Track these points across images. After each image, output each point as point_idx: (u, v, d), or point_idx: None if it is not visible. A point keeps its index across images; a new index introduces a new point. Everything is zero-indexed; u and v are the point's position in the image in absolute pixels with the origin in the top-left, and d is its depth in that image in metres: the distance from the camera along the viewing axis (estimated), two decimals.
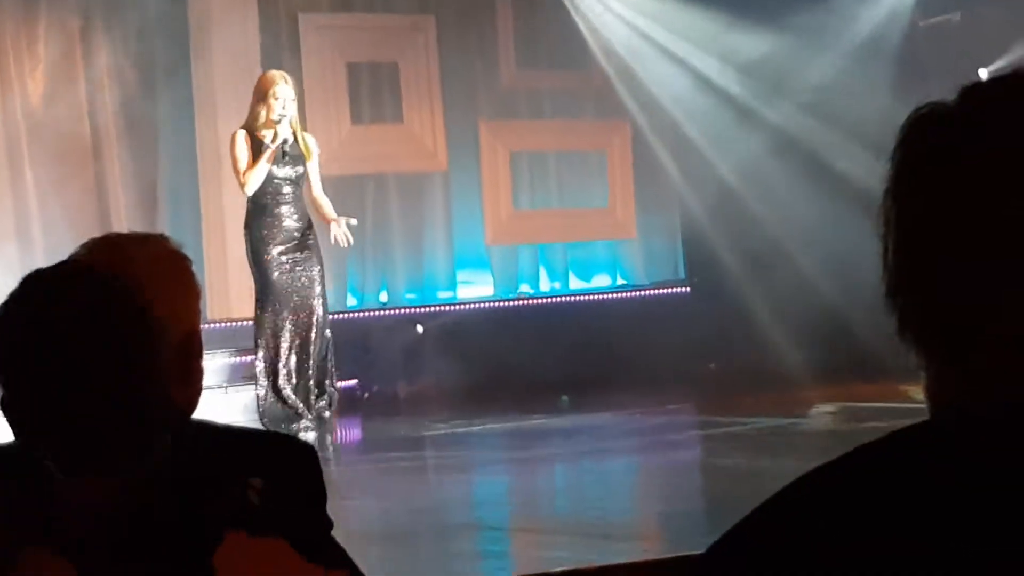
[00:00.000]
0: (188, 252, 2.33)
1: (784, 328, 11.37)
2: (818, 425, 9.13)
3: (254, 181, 9.23)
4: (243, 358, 10.44)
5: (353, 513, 6.61)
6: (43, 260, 9.76)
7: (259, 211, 9.32)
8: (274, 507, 1.99)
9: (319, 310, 9.34)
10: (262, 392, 9.31)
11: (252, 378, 9.66)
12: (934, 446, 1.06)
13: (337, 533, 2.23)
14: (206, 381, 2.28)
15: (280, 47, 11.62)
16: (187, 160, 11.35)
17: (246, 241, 9.43)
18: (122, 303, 1.78)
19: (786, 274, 11.65)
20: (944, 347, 1.09)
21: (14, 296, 1.78)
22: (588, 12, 12.56)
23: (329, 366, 9.42)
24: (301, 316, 9.26)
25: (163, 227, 11.02)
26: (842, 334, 10.05)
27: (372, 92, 12.03)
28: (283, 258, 9.26)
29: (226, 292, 11.04)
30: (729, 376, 11.26)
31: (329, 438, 9.19)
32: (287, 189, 9.32)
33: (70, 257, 2.18)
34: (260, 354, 9.30)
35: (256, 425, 9.52)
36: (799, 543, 1.04)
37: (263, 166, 9.20)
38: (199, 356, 2.21)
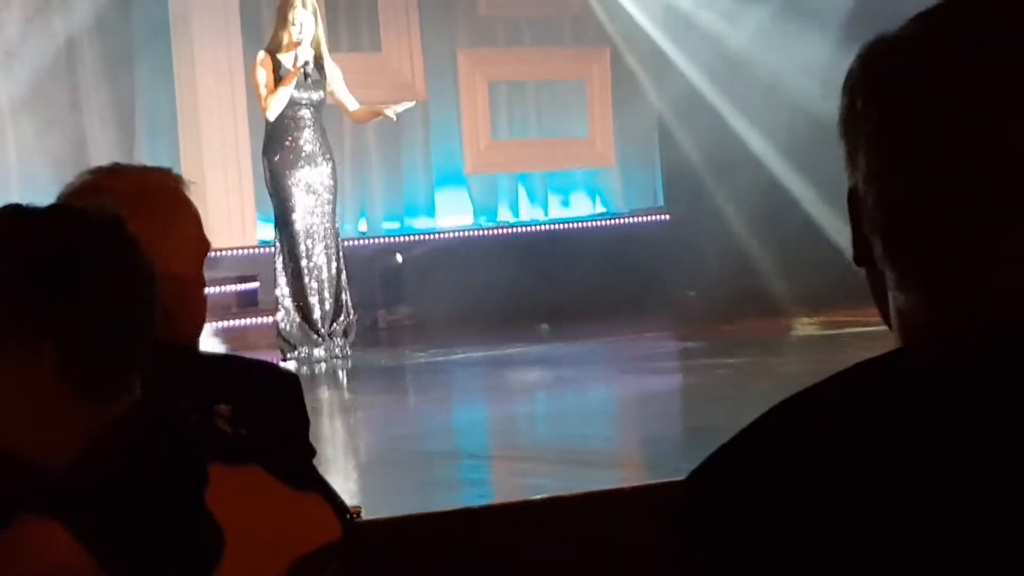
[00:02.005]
0: None
1: (765, 254, 11.39)
2: (797, 352, 9.16)
3: (275, 106, 9.17)
4: (221, 288, 10.44)
5: (333, 441, 6.64)
6: (18, 185, 9.70)
7: (278, 136, 9.26)
8: (251, 433, 2.00)
9: (333, 232, 9.35)
10: (283, 315, 9.31)
11: (230, 308, 9.64)
12: (911, 375, 1.07)
13: (317, 461, 2.24)
14: None
15: None
16: (164, 93, 11.27)
17: (264, 168, 9.40)
18: (118, 242, 1.78)
19: (767, 200, 11.65)
20: (927, 272, 1.10)
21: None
22: None
23: (344, 294, 9.42)
24: (318, 239, 9.27)
25: (141, 156, 10.97)
26: (825, 259, 10.07)
27: (350, 21, 11.95)
28: (301, 183, 9.23)
29: (205, 222, 10.95)
30: (709, 303, 11.29)
31: (342, 372, 9.19)
32: (307, 113, 9.26)
33: (69, 186, 2.17)
34: (281, 279, 9.31)
35: (238, 354, 9.55)
36: (776, 472, 1.05)
37: (284, 91, 9.13)
38: (200, 285, 2.20)
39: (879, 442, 1.03)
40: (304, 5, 9.22)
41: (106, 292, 1.77)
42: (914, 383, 1.06)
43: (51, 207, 1.89)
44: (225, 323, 10.30)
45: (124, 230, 1.80)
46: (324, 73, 9.34)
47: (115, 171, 2.25)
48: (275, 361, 9.00)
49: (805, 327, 9.71)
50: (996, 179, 1.07)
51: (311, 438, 2.30)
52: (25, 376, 1.76)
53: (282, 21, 9.27)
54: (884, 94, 1.11)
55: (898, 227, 1.10)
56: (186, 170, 11.51)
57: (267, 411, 2.11)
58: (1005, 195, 1.07)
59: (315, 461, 2.24)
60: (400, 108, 9.47)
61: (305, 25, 9.18)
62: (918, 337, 1.11)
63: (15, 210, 1.83)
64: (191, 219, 2.23)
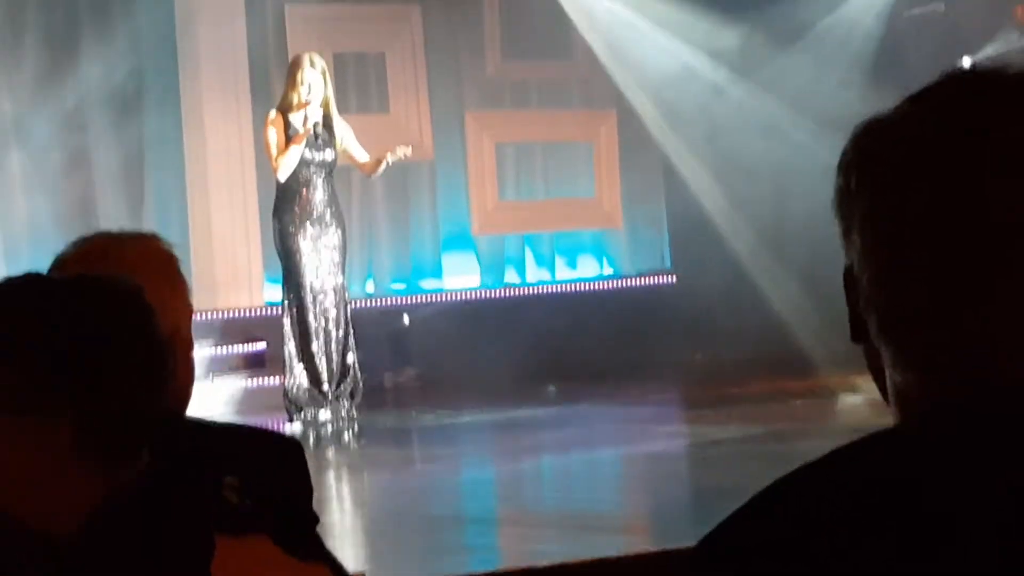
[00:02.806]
0: (174, 241, 2.33)
1: (770, 318, 11.39)
2: (804, 414, 9.14)
3: (286, 167, 9.20)
4: (228, 349, 10.45)
5: (340, 505, 6.62)
6: (27, 248, 9.74)
7: (289, 197, 9.29)
8: (257, 504, 1.99)
9: (341, 293, 9.35)
10: (290, 377, 9.29)
11: (238, 368, 9.64)
12: (907, 453, 1.08)
13: (323, 526, 2.23)
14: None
15: (267, 39, 11.61)
16: (174, 150, 11.33)
17: (274, 228, 9.42)
18: (142, 315, 1.79)
19: (773, 264, 11.67)
20: (921, 350, 1.10)
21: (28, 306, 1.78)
22: (574, 1, 12.55)
23: (351, 355, 9.41)
24: (326, 300, 9.27)
25: (149, 215, 11.02)
26: (829, 324, 10.06)
27: (359, 82, 12.02)
28: (310, 243, 9.25)
29: (212, 282, 11.03)
30: (715, 366, 11.27)
31: (348, 434, 9.16)
32: (317, 173, 9.29)
33: (59, 256, 2.18)
34: (289, 340, 9.30)
35: (244, 416, 9.54)
36: (780, 545, 1.05)
37: (295, 150, 9.17)
38: (188, 353, 2.21)
39: (878, 518, 1.04)
40: (313, 65, 9.28)
41: (126, 365, 1.78)
42: (910, 461, 1.07)
43: (74, 278, 1.89)
44: (231, 384, 10.30)
45: (144, 302, 1.81)
46: (334, 133, 9.38)
47: (117, 238, 2.26)
48: (281, 423, 9.01)
49: (813, 390, 9.69)
50: (986, 257, 1.08)
51: (316, 502, 2.30)
52: (41, 445, 1.76)
53: (291, 81, 9.33)
54: (876, 174, 1.12)
55: (892, 305, 1.11)
56: (195, 230, 11.65)
57: (271, 480, 2.10)
58: (995, 272, 1.07)
59: (321, 526, 2.23)
60: (398, 152, 9.46)
61: (314, 85, 9.23)
62: (914, 414, 1.11)
63: (38, 280, 1.84)
64: (186, 283, 2.25)
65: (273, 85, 10.72)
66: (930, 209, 1.09)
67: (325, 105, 9.32)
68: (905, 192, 1.10)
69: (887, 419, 1.12)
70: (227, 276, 11.18)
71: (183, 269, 2.29)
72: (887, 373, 1.14)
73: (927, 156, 1.10)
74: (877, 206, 1.11)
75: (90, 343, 1.76)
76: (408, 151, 9.52)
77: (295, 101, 9.24)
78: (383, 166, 9.50)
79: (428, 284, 12.20)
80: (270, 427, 7.77)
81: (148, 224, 10.45)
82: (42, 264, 2.23)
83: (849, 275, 1.15)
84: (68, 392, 1.75)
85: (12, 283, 1.81)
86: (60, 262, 2.20)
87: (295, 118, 9.24)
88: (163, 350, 1.81)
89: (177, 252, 2.30)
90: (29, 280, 1.83)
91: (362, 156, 9.54)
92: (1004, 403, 1.06)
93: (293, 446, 2.26)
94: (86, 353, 1.76)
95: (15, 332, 1.77)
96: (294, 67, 9.37)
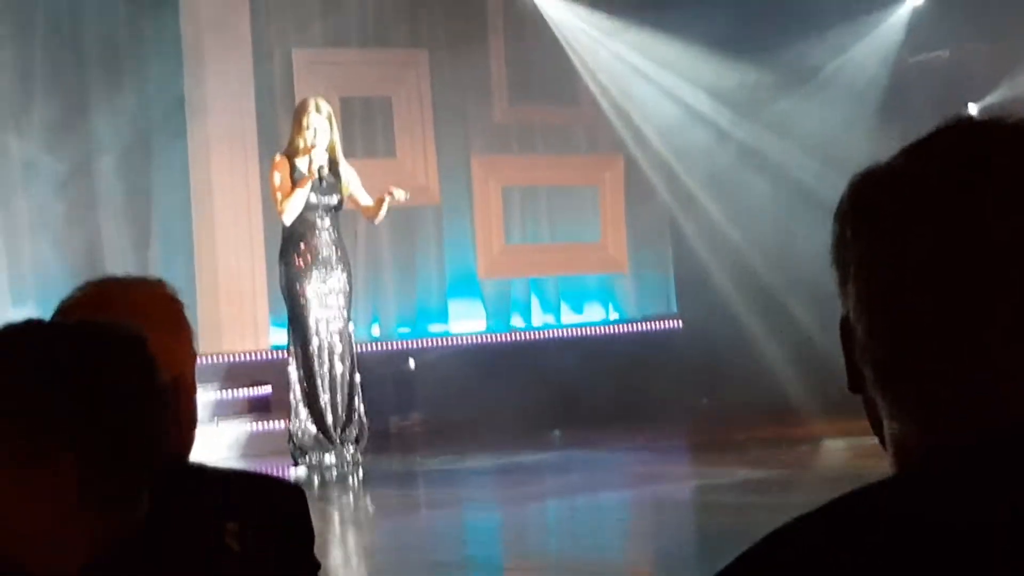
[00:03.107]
0: (180, 284, 2.33)
1: (777, 363, 11.37)
2: (810, 461, 9.11)
3: (291, 210, 9.22)
4: (234, 393, 10.44)
5: (344, 550, 6.60)
6: (33, 294, 9.75)
7: (295, 241, 9.30)
8: (258, 550, 1.99)
9: (347, 337, 9.35)
10: (295, 421, 9.27)
11: (243, 412, 9.63)
12: (913, 493, 1.07)
13: (327, 571, 2.22)
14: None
15: (274, 83, 11.66)
16: (180, 193, 11.36)
17: (280, 272, 9.42)
18: (144, 362, 1.80)
19: (780, 309, 11.66)
20: (917, 401, 1.10)
21: (29, 353, 1.78)
22: (580, 47, 12.61)
23: (356, 399, 9.39)
24: (332, 344, 9.27)
25: (156, 259, 11.04)
26: (836, 369, 10.04)
27: (365, 126, 12.06)
28: (316, 288, 9.25)
29: (217, 326, 11.03)
30: (721, 411, 11.25)
31: (353, 479, 9.14)
32: (323, 217, 9.30)
33: (64, 301, 2.18)
34: (294, 384, 9.29)
35: (249, 460, 9.52)
36: None
37: (300, 194, 9.19)
38: (191, 398, 2.21)
39: (882, 560, 1.03)
40: (318, 110, 9.31)
41: (128, 412, 1.78)
42: (912, 501, 1.07)
43: (77, 324, 1.89)
44: (237, 428, 10.28)
45: (145, 348, 1.81)
46: (340, 177, 9.40)
47: (123, 283, 2.26)
48: (286, 467, 8.99)
49: (818, 435, 9.66)
50: (987, 306, 1.07)
51: (320, 546, 2.29)
52: (43, 492, 1.76)
53: (297, 126, 9.36)
54: (871, 225, 1.12)
55: (887, 356, 1.11)
56: (200, 274, 11.66)
57: (272, 527, 2.10)
58: (996, 322, 1.07)
59: (323, 571, 2.22)
60: (396, 195, 9.45)
61: (319, 130, 9.26)
62: (911, 465, 1.11)
63: (40, 326, 1.84)
64: (190, 329, 2.25)
65: (280, 129, 10.75)
66: (927, 258, 1.09)
67: (331, 149, 9.34)
68: (901, 241, 1.10)
69: (872, 462, 1.11)
70: (233, 320, 11.18)
71: (189, 313, 2.29)
72: (885, 423, 1.14)
73: (925, 205, 1.10)
74: (873, 256, 1.12)
75: (91, 390, 1.76)
76: (405, 195, 9.50)
77: (301, 145, 9.26)
78: (384, 209, 9.51)
79: (434, 328, 12.20)
80: (275, 471, 7.76)
81: (154, 268, 10.47)
82: (49, 307, 2.23)
83: (845, 325, 1.15)
84: (69, 439, 1.75)
85: (13, 329, 1.81)
86: (65, 307, 2.20)
87: (301, 162, 9.26)
88: (165, 397, 1.81)
89: (183, 296, 2.30)
90: (30, 326, 1.83)
91: (366, 201, 9.56)
92: (1003, 441, 1.06)
93: (295, 492, 2.25)
94: (87, 400, 1.76)
95: (16, 379, 1.77)
96: (300, 111, 9.41)
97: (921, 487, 1.07)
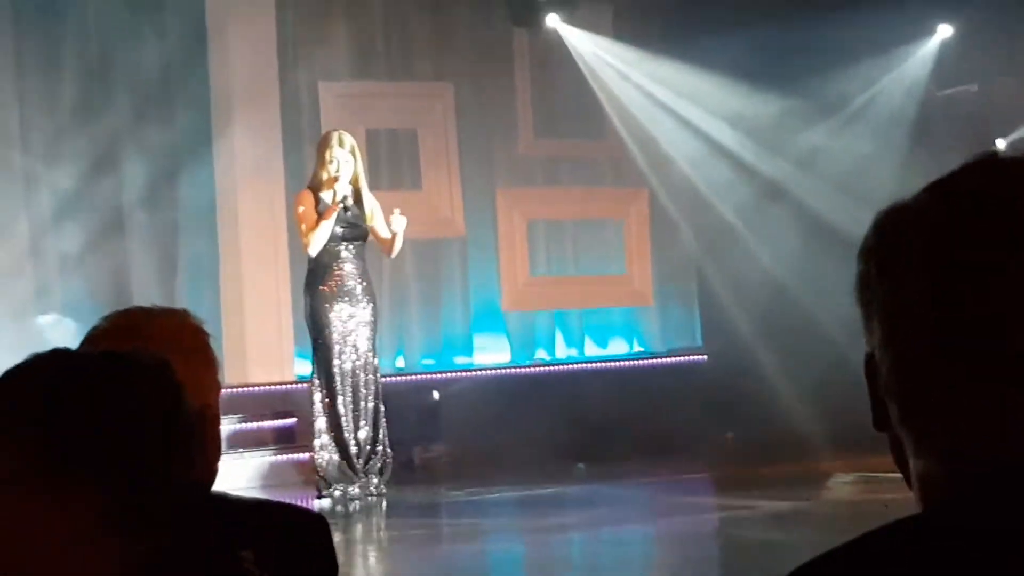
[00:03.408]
0: (205, 315, 2.34)
1: (802, 398, 11.33)
2: (834, 497, 9.07)
3: (316, 242, 9.24)
4: (258, 423, 10.45)
5: None
6: (62, 330, 9.77)
7: (320, 272, 9.32)
8: None
9: (372, 369, 9.35)
10: (320, 452, 9.26)
11: (268, 443, 9.62)
12: (939, 532, 1.07)
13: None
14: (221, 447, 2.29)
15: (301, 115, 11.70)
16: (207, 224, 11.40)
17: (305, 303, 9.44)
18: (169, 391, 1.80)
19: (805, 343, 11.62)
20: (943, 437, 1.10)
21: (56, 381, 1.79)
22: (605, 80, 12.62)
23: (381, 431, 9.39)
24: (356, 375, 9.27)
25: (182, 290, 11.07)
26: (862, 404, 9.99)
27: (391, 159, 12.09)
28: (341, 319, 9.26)
29: (243, 356, 11.05)
30: (746, 445, 11.20)
31: (377, 510, 9.13)
32: (348, 249, 9.32)
33: (91, 331, 2.19)
34: (319, 415, 9.29)
35: (272, 491, 9.52)
36: None
37: (325, 225, 9.21)
38: (216, 428, 2.22)
39: None
40: (341, 144, 9.33)
41: (152, 437, 1.78)
42: (931, 548, 1.06)
43: (102, 353, 1.91)
44: (261, 459, 10.29)
45: (171, 376, 1.82)
46: (364, 209, 9.41)
47: (149, 313, 2.27)
48: (310, 498, 8.98)
49: (843, 472, 9.62)
50: (1002, 344, 1.07)
51: None
52: (65, 520, 1.76)
53: (320, 159, 9.40)
54: (896, 262, 1.12)
55: (913, 393, 1.11)
56: (226, 305, 11.69)
57: (295, 556, 2.10)
58: (1012, 360, 1.07)
59: None
60: (395, 222, 9.44)
61: (342, 163, 9.28)
62: (937, 502, 1.10)
63: (67, 355, 1.85)
64: (216, 359, 2.26)
65: (307, 161, 10.78)
66: (952, 296, 1.08)
67: (355, 181, 9.36)
68: (926, 279, 1.10)
69: (896, 498, 1.11)
70: (258, 350, 11.20)
71: (213, 344, 2.30)
72: (910, 460, 1.13)
73: (950, 243, 1.09)
74: (897, 294, 1.11)
75: (116, 417, 1.77)
76: (402, 221, 9.45)
77: (324, 178, 9.29)
78: (398, 241, 9.49)
79: (458, 360, 12.19)
80: (298, 502, 7.75)
81: (180, 298, 10.50)
82: (77, 337, 2.24)
83: (871, 363, 1.15)
84: (94, 467, 1.76)
85: (40, 359, 1.82)
86: (92, 336, 2.21)
87: (325, 195, 9.29)
88: (190, 426, 1.81)
89: (208, 326, 2.31)
90: (57, 355, 1.84)
91: (385, 234, 9.56)
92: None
93: (318, 522, 2.25)
94: (112, 427, 1.76)
95: (42, 408, 1.77)
96: (322, 145, 9.44)
97: (946, 522, 1.07)
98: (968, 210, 1.10)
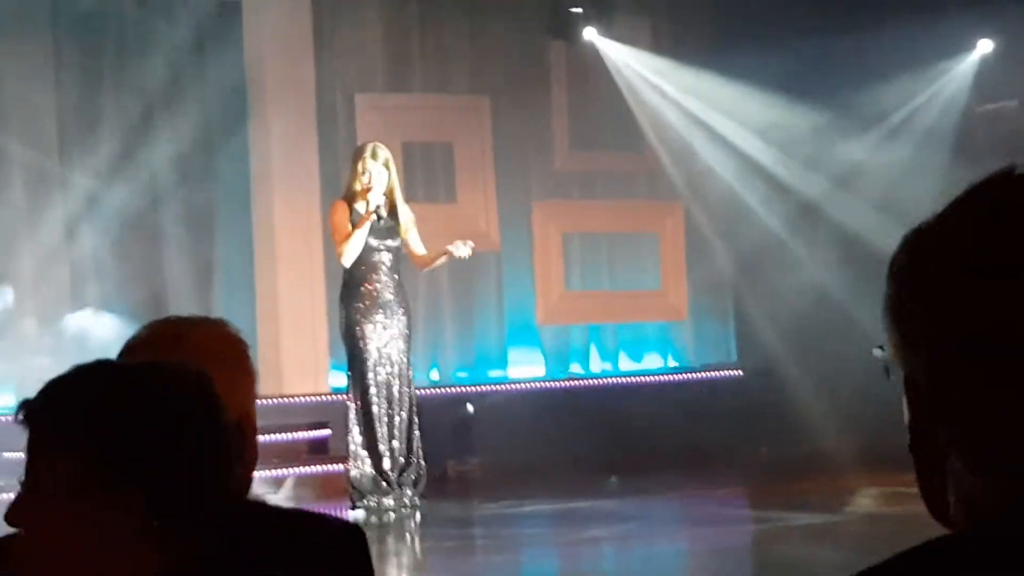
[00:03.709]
0: (241, 326, 2.35)
1: (836, 413, 11.28)
2: (868, 514, 9.03)
3: (349, 253, 9.24)
4: (293, 435, 10.47)
5: None
6: (99, 337, 9.83)
7: (355, 284, 9.32)
8: None
9: (406, 381, 9.34)
10: (354, 464, 9.27)
11: (303, 454, 9.63)
12: (976, 561, 1.06)
13: None
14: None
15: (337, 126, 11.73)
16: (242, 235, 11.45)
17: (340, 315, 9.44)
18: (209, 400, 1.82)
19: (840, 358, 11.58)
20: (999, 459, 1.09)
21: (99, 391, 1.80)
22: (642, 93, 12.62)
23: (415, 443, 9.39)
24: (391, 387, 9.27)
25: (218, 301, 11.11)
26: (895, 420, 9.94)
27: (426, 171, 12.11)
28: (376, 331, 9.26)
29: (278, 368, 11.08)
30: (780, 460, 11.16)
31: (411, 522, 9.13)
32: (383, 260, 9.31)
33: (129, 341, 2.20)
34: (353, 427, 9.30)
35: (306, 502, 9.54)
36: None
37: (358, 235, 9.20)
38: (253, 438, 2.22)
39: None
40: (374, 156, 9.33)
41: (193, 446, 1.79)
42: (980, 567, 1.05)
43: (143, 364, 1.92)
44: (295, 470, 10.30)
45: (212, 386, 1.83)
46: (399, 221, 9.41)
47: (187, 323, 2.28)
48: (344, 509, 8.99)
49: (878, 486, 9.57)
50: None
51: None
52: (106, 527, 1.77)
53: (353, 171, 9.41)
54: (929, 281, 1.10)
55: (970, 414, 1.09)
56: (261, 316, 11.70)
57: (331, 566, 2.10)
58: None
59: None
60: (460, 250, 9.39)
61: (375, 174, 9.28)
62: (984, 520, 1.09)
63: (110, 365, 1.87)
64: (254, 369, 2.27)
65: (342, 172, 10.81)
66: (993, 313, 1.07)
67: (389, 193, 9.36)
68: (968, 298, 1.08)
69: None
70: (293, 362, 11.23)
71: (250, 355, 2.31)
72: (951, 482, 1.12)
73: (986, 260, 1.08)
74: (941, 315, 1.09)
75: (158, 428, 1.78)
76: (468, 251, 9.43)
77: (357, 189, 9.31)
78: (442, 260, 9.47)
79: (493, 373, 12.19)
80: (332, 513, 7.75)
81: (216, 310, 10.54)
82: (114, 347, 2.25)
83: (911, 385, 1.13)
84: (135, 476, 1.77)
85: (84, 369, 1.84)
86: (131, 346, 2.22)
87: (359, 206, 9.30)
88: (229, 435, 1.82)
89: (244, 337, 2.31)
90: (101, 366, 1.85)
91: (419, 248, 9.51)
92: None
93: (354, 532, 2.25)
94: (154, 438, 1.78)
95: (86, 417, 1.79)
96: (356, 156, 9.45)
97: (995, 541, 1.06)
98: (1004, 225, 1.09)
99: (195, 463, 1.79)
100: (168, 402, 1.80)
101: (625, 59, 12.59)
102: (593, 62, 12.50)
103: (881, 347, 1.16)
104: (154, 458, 1.78)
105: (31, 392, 1.82)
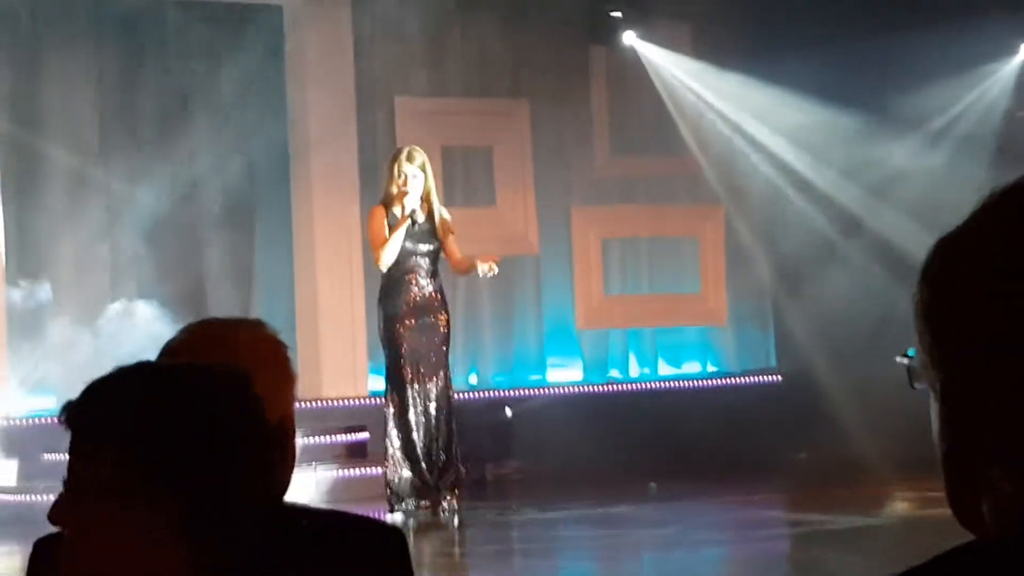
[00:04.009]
0: (280, 328, 2.35)
1: (876, 418, 11.23)
2: (906, 518, 8.99)
3: (387, 256, 9.25)
4: (331, 438, 10.49)
5: None
6: (143, 338, 9.87)
7: (393, 287, 9.33)
8: None
9: (444, 385, 9.34)
10: (392, 467, 9.28)
11: (340, 457, 9.64)
12: (1018, 564, 1.05)
13: None
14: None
15: (377, 130, 11.76)
16: (282, 237, 11.49)
17: (379, 317, 9.45)
18: (251, 403, 1.82)
19: (879, 364, 11.52)
20: None
21: (135, 392, 1.82)
22: (681, 98, 12.60)
23: (453, 447, 9.39)
24: (429, 391, 9.28)
25: (257, 303, 11.16)
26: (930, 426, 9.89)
27: (466, 175, 12.12)
28: (414, 334, 9.25)
29: (317, 371, 11.11)
30: (819, 466, 11.12)
31: (450, 526, 9.13)
32: (421, 263, 9.31)
33: (169, 343, 2.21)
34: (391, 430, 9.31)
35: (344, 505, 9.56)
36: None
37: (395, 239, 9.21)
38: (293, 440, 2.23)
39: None
40: (411, 160, 9.33)
41: (232, 448, 1.80)
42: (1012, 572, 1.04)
43: (183, 365, 1.93)
44: (333, 473, 10.33)
45: (251, 388, 1.84)
46: (436, 223, 9.41)
47: (227, 325, 2.29)
48: (382, 513, 9.01)
49: (918, 491, 9.52)
50: None
51: None
52: (144, 529, 1.78)
53: (390, 174, 9.42)
54: (971, 286, 1.09)
55: (1007, 418, 1.08)
56: (301, 320, 11.73)
57: (370, 568, 2.10)
58: None
59: None
60: (481, 268, 9.34)
61: (410, 177, 9.28)
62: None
63: (150, 367, 1.88)
64: (293, 370, 2.28)
65: (382, 175, 10.84)
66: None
67: (426, 197, 9.36)
68: (1006, 301, 1.07)
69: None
70: (332, 365, 11.26)
71: (289, 356, 2.31)
72: (988, 487, 1.11)
73: (1021, 261, 1.07)
74: (974, 318, 1.09)
75: (197, 431, 1.79)
76: (492, 272, 9.38)
77: (394, 192, 9.32)
78: (473, 272, 9.46)
79: (531, 378, 12.19)
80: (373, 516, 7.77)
81: (255, 312, 10.57)
82: (154, 349, 2.26)
83: (946, 389, 1.12)
84: (176, 478, 1.78)
85: (125, 371, 1.85)
86: (169, 349, 2.23)
87: (396, 210, 9.31)
88: (270, 438, 1.83)
89: (283, 339, 2.32)
90: (141, 368, 1.86)
91: (455, 252, 9.49)
92: None
93: (394, 534, 2.25)
94: (193, 439, 1.78)
95: (125, 418, 1.80)
96: (392, 160, 9.46)
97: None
98: (1021, 222, 1.08)
99: (233, 465, 1.80)
100: (207, 403, 1.81)
101: (665, 63, 12.57)
102: (633, 66, 12.48)
103: (904, 354, 1.15)
104: (192, 460, 1.78)
105: (71, 394, 1.83)
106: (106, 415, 1.80)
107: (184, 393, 1.82)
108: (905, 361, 1.17)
